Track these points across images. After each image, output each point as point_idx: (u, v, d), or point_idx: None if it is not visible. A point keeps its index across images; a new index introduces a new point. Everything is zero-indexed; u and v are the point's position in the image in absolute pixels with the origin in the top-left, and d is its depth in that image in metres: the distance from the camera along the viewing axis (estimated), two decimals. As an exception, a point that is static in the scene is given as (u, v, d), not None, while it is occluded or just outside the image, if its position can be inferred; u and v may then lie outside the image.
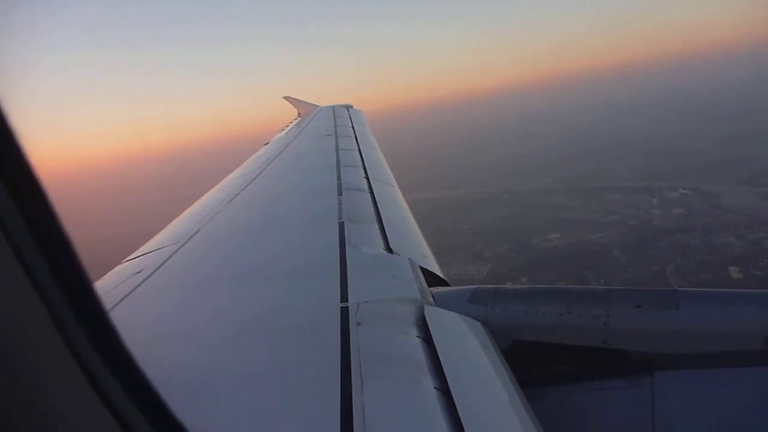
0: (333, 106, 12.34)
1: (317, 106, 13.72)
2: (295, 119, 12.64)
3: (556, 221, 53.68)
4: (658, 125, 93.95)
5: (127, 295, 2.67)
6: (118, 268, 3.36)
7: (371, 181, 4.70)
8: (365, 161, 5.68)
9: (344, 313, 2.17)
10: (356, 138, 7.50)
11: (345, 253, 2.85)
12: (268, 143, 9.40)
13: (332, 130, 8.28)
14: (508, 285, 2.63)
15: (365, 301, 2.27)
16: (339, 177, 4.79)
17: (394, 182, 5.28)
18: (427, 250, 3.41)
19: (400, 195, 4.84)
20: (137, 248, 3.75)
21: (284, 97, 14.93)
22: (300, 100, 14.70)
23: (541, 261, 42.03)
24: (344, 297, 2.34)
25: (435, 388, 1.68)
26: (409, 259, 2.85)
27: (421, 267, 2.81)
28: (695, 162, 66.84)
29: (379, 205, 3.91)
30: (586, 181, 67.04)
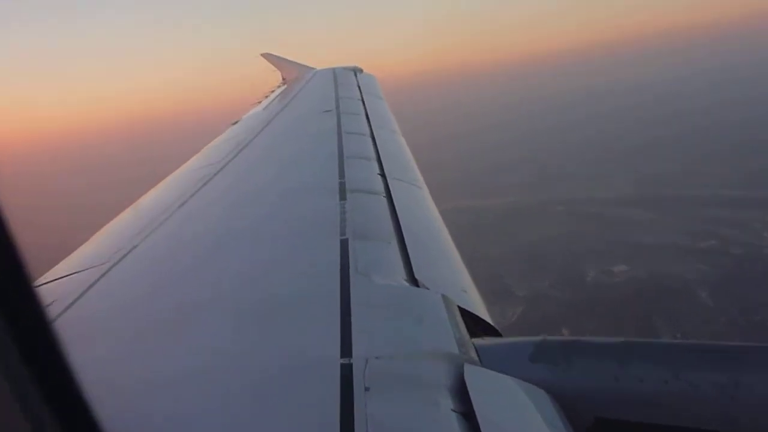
0: (334, 69, 12.21)
1: (310, 68, 13.66)
2: (279, 86, 12.60)
3: (626, 246, 53.77)
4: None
5: None
6: None
7: (389, 180, 4.69)
8: (380, 150, 5.65)
9: (346, 372, 2.10)
10: (367, 116, 7.48)
11: (348, 285, 2.81)
12: (236, 122, 9.32)
13: (333, 104, 8.25)
14: (590, 337, 2.51)
15: (377, 357, 2.20)
16: (342, 174, 4.80)
17: (422, 182, 5.30)
18: (468, 281, 3.37)
19: (431, 201, 4.87)
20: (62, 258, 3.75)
21: (263, 55, 14.81)
22: (285, 59, 14.67)
23: (595, 303, 41.99)
24: (346, 350, 2.26)
25: None
26: (443, 295, 2.79)
27: (459, 307, 2.75)
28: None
29: (399, 216, 3.88)
30: (671, 188, 66.96)
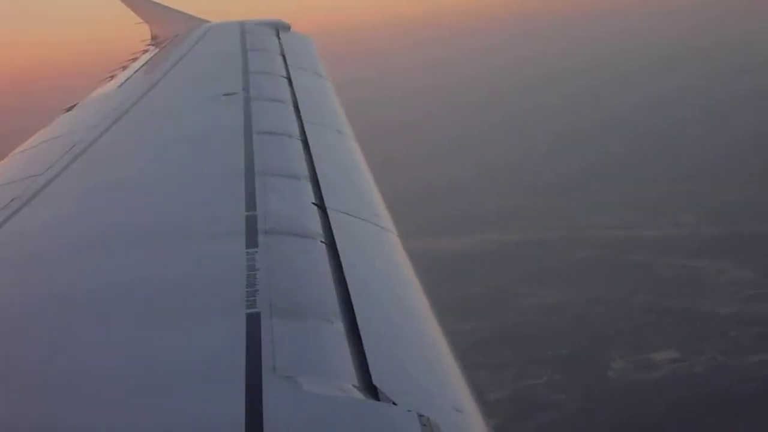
0: (242, 23, 12.27)
1: (201, 20, 13.79)
2: (146, 49, 12.72)
3: (680, 318, 54.55)
4: None
5: None
6: None
7: (330, 213, 4.87)
8: (318, 166, 5.82)
9: None
10: (297, 105, 7.63)
11: (259, 397, 2.80)
12: (71, 108, 9.27)
13: (238, 82, 8.35)
14: None
15: None
16: (252, 203, 4.95)
17: (387, 219, 5.57)
18: (465, 392, 3.48)
19: (404, 253, 5.09)
20: None
21: None
22: (156, 4, 14.80)
23: (617, 416, 42.49)
24: None
25: None
26: (421, 415, 2.78)
27: None
28: None
29: (347, 276, 3.93)
30: (750, 224, 69.00)
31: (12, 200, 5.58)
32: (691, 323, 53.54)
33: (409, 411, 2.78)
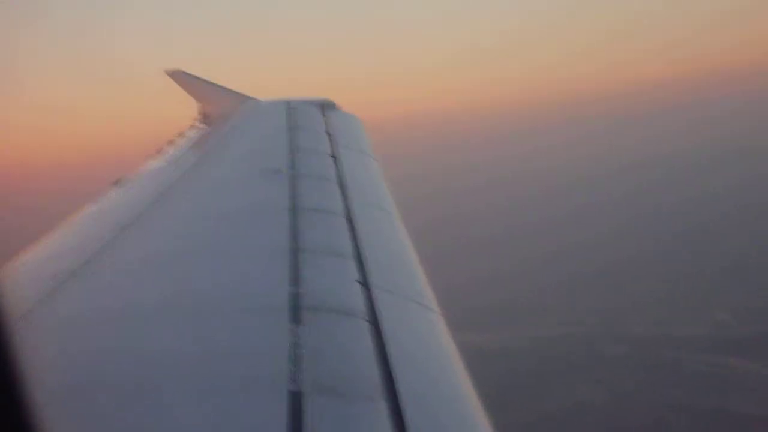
0: (288, 101, 12.18)
1: (247, 97, 13.85)
2: (193, 126, 12.77)
3: (717, 420, 54.06)
4: None
5: None
6: None
7: (374, 292, 4.79)
8: (363, 244, 5.77)
9: None
10: (342, 182, 7.60)
11: None
12: (119, 183, 9.18)
13: (285, 160, 8.34)
14: None
15: None
16: (296, 280, 4.84)
17: (431, 300, 5.43)
18: None
19: (447, 333, 4.95)
20: None
21: (169, 73, 15.02)
22: (205, 81, 14.79)
23: None
24: None
25: None
26: None
27: None
28: None
29: (390, 356, 3.87)
30: None
31: (60, 274, 5.53)
32: (719, 422, 53.28)
33: None
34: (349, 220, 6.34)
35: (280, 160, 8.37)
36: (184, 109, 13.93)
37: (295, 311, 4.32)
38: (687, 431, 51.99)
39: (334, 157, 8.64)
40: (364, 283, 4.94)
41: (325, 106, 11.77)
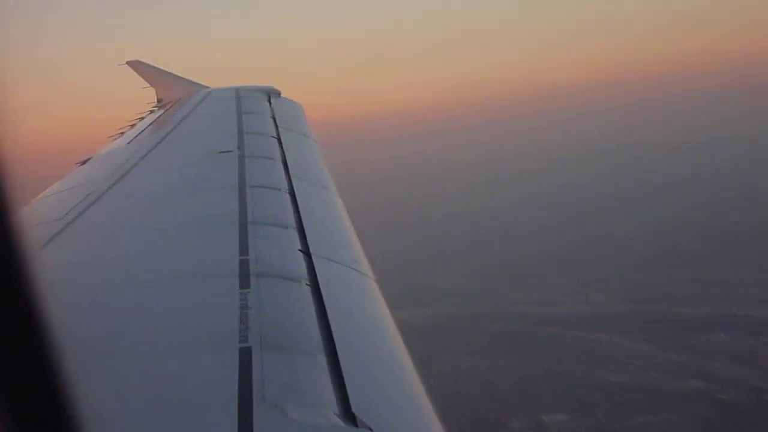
0: (237, 89, 12.02)
1: (201, 85, 13.50)
2: (152, 110, 12.47)
3: (577, 386, 54.41)
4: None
5: None
6: None
7: (314, 260, 4.76)
8: (304, 216, 5.71)
9: None
10: (285, 162, 7.49)
11: (251, 422, 2.78)
12: (85, 162, 8.99)
13: (234, 141, 8.22)
14: None
15: None
16: (244, 250, 4.83)
17: (366, 266, 5.43)
18: (436, 425, 3.36)
19: (380, 297, 4.94)
20: None
21: (128, 63, 14.84)
22: (163, 71, 14.47)
23: None
24: None
25: None
26: None
27: None
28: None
29: (331, 318, 3.83)
30: (663, 304, 69.48)
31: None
32: (586, 389, 54.14)
33: None
34: (292, 195, 6.31)
35: (230, 142, 8.33)
36: (144, 95, 13.67)
37: (244, 277, 4.32)
38: (557, 396, 52.46)
39: (278, 138, 8.63)
40: (306, 252, 4.91)
41: (271, 94, 11.80)
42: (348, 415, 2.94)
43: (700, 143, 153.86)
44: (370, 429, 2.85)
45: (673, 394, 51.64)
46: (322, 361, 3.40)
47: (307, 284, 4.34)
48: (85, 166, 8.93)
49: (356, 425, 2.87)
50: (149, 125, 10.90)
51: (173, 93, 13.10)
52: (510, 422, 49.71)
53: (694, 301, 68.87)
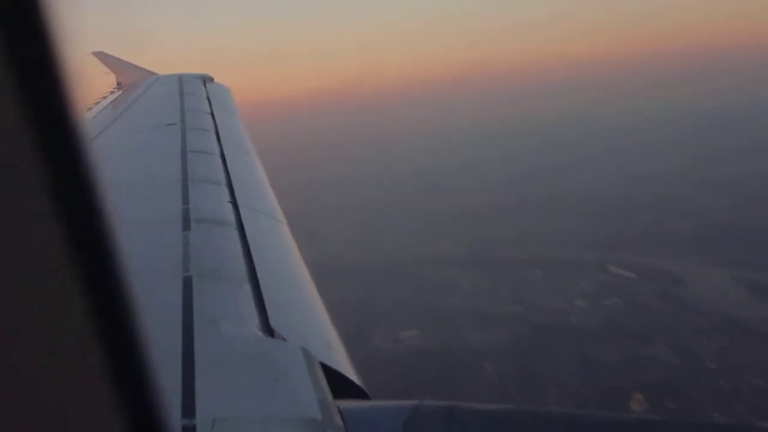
0: (179, 75, 11.86)
1: (152, 72, 13.57)
2: (112, 92, 12.22)
3: (426, 311, 55.51)
4: (631, 162, 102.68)
5: None
6: None
7: (241, 209, 4.70)
8: (232, 174, 5.63)
9: None
10: (218, 133, 7.37)
11: (192, 335, 2.71)
12: None
13: (177, 116, 8.01)
14: (473, 403, 2.51)
15: (225, 418, 2.16)
16: (186, 199, 4.74)
17: (280, 213, 5.41)
18: (333, 335, 3.42)
19: (290, 236, 4.99)
20: None
21: (94, 53, 14.87)
22: (121, 60, 14.71)
23: (366, 372, 44.41)
24: (189, 410, 2.19)
25: None
26: (303, 348, 2.78)
27: (322, 364, 2.77)
28: (677, 227, 69.77)
29: (253, 252, 3.88)
30: (502, 248, 69.81)
31: None
32: (433, 313, 55.38)
33: (294, 346, 2.82)
34: (223, 159, 6.16)
35: (174, 116, 8.07)
36: (106, 81, 13.42)
37: (186, 222, 4.25)
38: (413, 320, 52.06)
39: (211, 114, 8.43)
40: (234, 203, 4.83)
41: (206, 79, 11.53)
42: (267, 328, 2.98)
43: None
44: (284, 338, 2.92)
45: (497, 319, 51.87)
46: (247, 287, 3.44)
47: (235, 228, 4.34)
48: None
49: (273, 336, 2.92)
50: (109, 104, 10.65)
51: (129, 78, 13.12)
52: (372, 335, 49.60)
53: (520, 246, 69.78)
